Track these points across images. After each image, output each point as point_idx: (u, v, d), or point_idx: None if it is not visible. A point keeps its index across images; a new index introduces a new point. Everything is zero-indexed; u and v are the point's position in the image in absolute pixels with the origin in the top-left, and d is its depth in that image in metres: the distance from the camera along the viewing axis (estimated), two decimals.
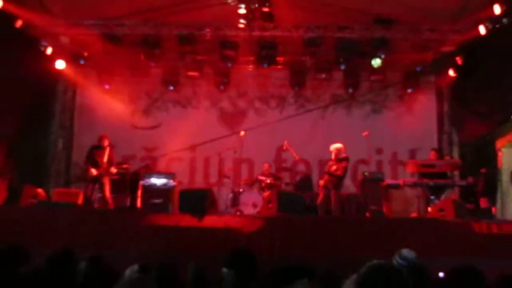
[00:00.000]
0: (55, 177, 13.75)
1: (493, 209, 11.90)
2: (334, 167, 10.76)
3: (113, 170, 11.23)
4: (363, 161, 12.39)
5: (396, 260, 4.76)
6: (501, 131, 12.53)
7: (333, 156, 10.90)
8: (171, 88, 14.02)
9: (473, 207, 11.72)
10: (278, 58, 13.16)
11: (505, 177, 12.57)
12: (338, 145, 10.92)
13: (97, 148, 11.39)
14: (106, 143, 11.40)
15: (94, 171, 11.08)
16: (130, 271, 4.77)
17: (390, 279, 2.46)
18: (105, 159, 11.22)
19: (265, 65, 12.92)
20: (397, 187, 11.57)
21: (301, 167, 13.41)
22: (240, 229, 9.10)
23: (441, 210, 10.21)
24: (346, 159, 10.86)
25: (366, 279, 2.49)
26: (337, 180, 10.83)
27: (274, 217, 9.72)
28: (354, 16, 12.21)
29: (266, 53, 12.55)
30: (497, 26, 10.62)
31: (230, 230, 9.07)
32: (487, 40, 11.14)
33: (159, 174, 11.65)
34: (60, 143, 13.98)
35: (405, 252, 4.75)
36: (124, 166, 11.96)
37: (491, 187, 12.86)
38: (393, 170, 13.42)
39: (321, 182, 11.28)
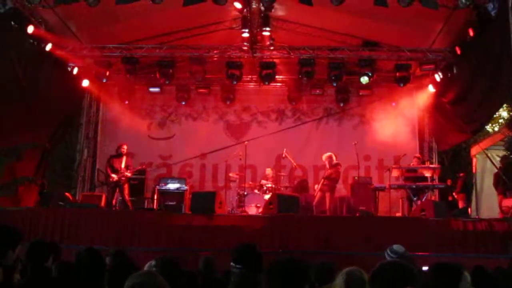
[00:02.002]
0: (81, 182, 13.76)
1: (468, 208, 11.90)
2: (329, 172, 10.88)
3: (127, 174, 11.23)
4: (353, 167, 12.38)
5: (387, 253, 4.86)
6: (475, 140, 12.54)
7: (327, 164, 11.00)
8: (183, 103, 14.10)
9: (451, 206, 11.74)
10: (277, 77, 13.19)
11: (479, 181, 12.59)
12: (328, 154, 11.03)
13: (116, 156, 11.45)
14: (123, 151, 11.45)
15: (114, 176, 11.14)
16: (148, 265, 4.80)
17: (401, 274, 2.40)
18: (123, 165, 11.28)
19: (266, 83, 12.95)
20: (383, 189, 11.60)
21: (298, 172, 13.40)
22: (245, 227, 9.13)
23: (422, 210, 10.20)
24: (338, 164, 10.97)
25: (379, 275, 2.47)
26: (332, 183, 10.87)
27: (275, 216, 9.68)
28: (344, 39, 12.31)
29: (266, 72, 12.58)
30: (470, 46, 10.66)
31: (236, 228, 9.09)
32: (461, 59, 11.19)
33: (173, 179, 11.70)
34: (86, 152, 14.01)
35: (396, 247, 4.90)
36: (138, 167, 11.94)
37: (467, 189, 12.89)
38: (380, 174, 13.38)
39: (318, 186, 11.34)
